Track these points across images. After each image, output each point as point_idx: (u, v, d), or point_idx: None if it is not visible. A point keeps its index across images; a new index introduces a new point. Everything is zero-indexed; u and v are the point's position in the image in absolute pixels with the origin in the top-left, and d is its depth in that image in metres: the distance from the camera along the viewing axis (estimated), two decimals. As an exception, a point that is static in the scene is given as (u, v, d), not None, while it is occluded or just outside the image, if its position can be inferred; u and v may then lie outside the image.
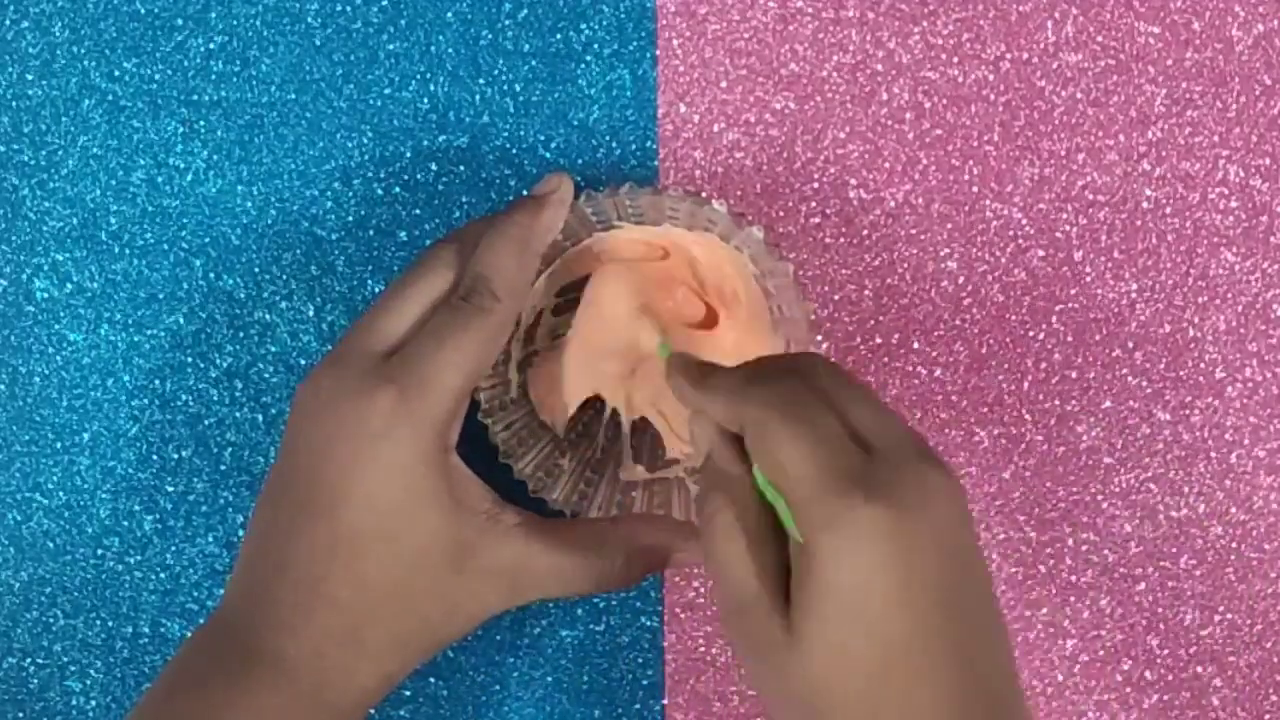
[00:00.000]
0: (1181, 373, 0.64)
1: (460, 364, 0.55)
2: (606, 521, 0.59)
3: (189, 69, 0.64)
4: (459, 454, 0.57)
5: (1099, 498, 0.64)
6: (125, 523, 0.64)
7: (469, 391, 0.56)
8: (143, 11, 0.64)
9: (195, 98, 0.64)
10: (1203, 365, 0.64)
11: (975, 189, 0.64)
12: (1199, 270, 0.64)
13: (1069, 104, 0.64)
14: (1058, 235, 0.64)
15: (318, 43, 0.64)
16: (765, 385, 0.50)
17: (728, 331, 0.61)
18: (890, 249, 0.64)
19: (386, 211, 0.64)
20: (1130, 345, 0.64)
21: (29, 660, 0.64)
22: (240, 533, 0.64)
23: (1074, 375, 0.64)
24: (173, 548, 0.64)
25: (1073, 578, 0.64)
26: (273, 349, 0.64)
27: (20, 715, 0.64)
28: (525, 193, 0.59)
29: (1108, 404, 0.64)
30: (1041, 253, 0.64)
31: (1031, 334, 0.64)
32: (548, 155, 0.63)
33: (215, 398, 0.64)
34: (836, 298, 0.64)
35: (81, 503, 0.64)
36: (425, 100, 0.64)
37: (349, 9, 0.64)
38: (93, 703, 0.64)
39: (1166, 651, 0.64)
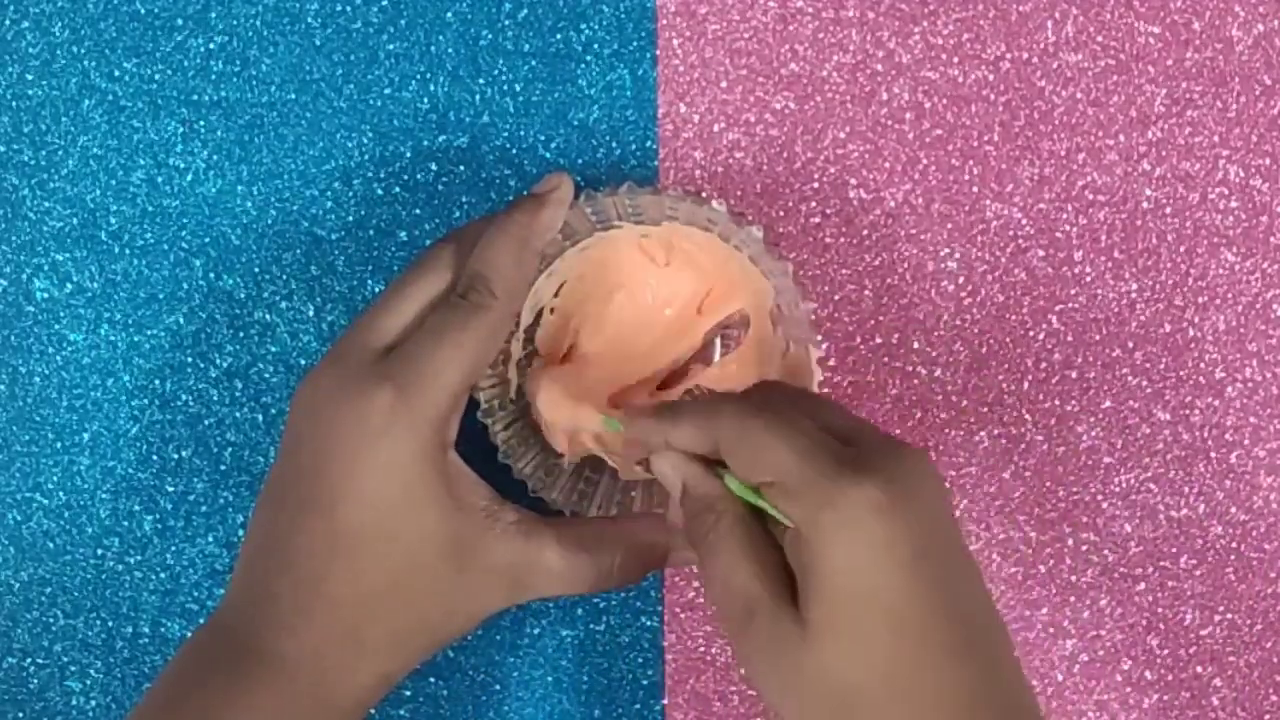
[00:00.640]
0: (1181, 373, 0.64)
1: (458, 361, 0.55)
2: (606, 520, 0.59)
3: (189, 69, 0.64)
4: (459, 453, 0.57)
5: (1099, 498, 0.64)
6: (125, 523, 0.64)
7: (467, 389, 0.56)
8: (143, 11, 0.64)
9: (195, 98, 0.64)
10: (1203, 365, 0.64)
11: (975, 189, 0.64)
12: (1199, 270, 0.64)
13: (1069, 104, 0.64)
14: (1058, 235, 0.64)
15: (318, 43, 0.64)
16: (735, 400, 0.52)
17: (728, 363, 0.62)
18: (890, 249, 0.64)
19: (386, 211, 0.64)
20: (1130, 345, 0.64)
21: (29, 660, 0.64)
22: (240, 533, 0.64)
23: (1074, 375, 0.64)
24: (173, 548, 0.64)
25: (1073, 578, 0.64)
26: (273, 349, 0.64)
27: (20, 715, 0.64)
28: (525, 192, 0.59)
29: (1108, 404, 0.64)
30: (1041, 253, 0.64)
31: (1031, 334, 0.64)
32: (548, 155, 0.63)
33: (215, 398, 0.64)
34: (836, 298, 0.64)
35: (81, 503, 0.64)
36: (425, 100, 0.64)
37: (349, 9, 0.64)
38: (93, 703, 0.64)
39: (1166, 651, 0.64)
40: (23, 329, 0.64)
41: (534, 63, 0.64)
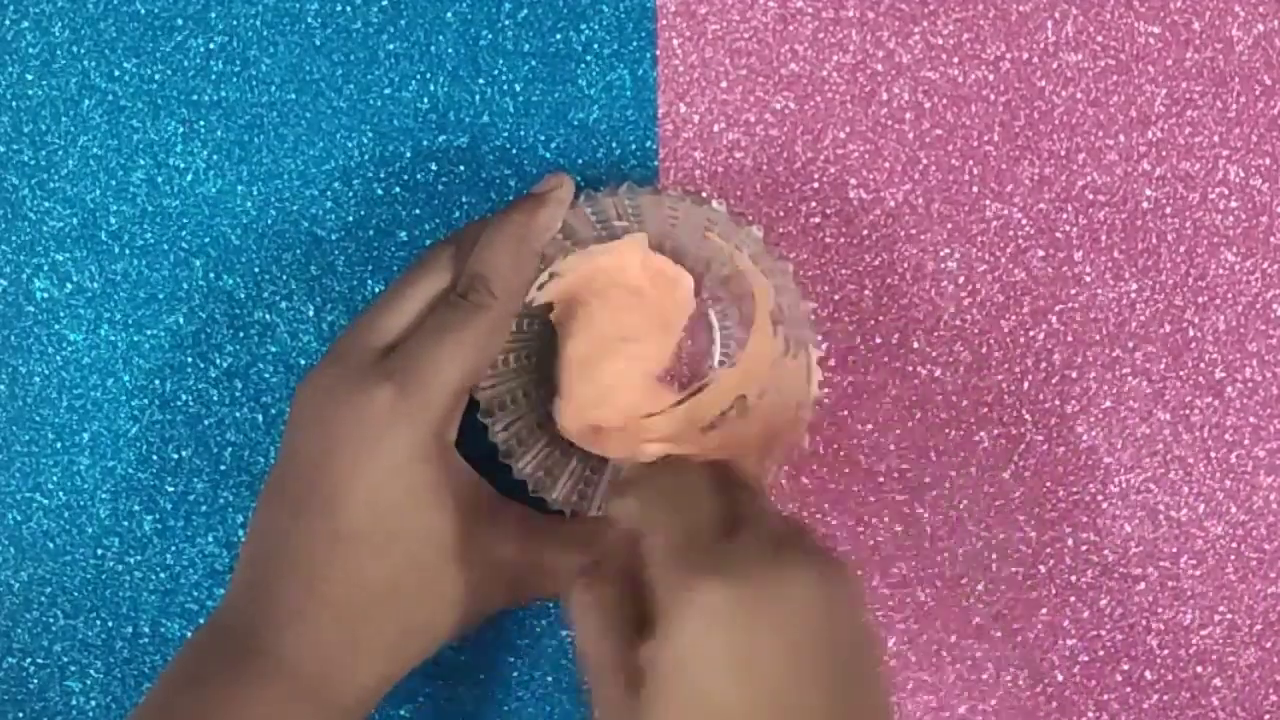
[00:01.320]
0: (1181, 373, 0.64)
1: (458, 360, 0.55)
2: (606, 520, 0.59)
3: (189, 69, 0.64)
4: (457, 450, 0.57)
5: (1099, 498, 0.64)
6: (125, 523, 0.64)
7: (468, 388, 0.56)
8: (143, 11, 0.64)
9: (195, 98, 0.64)
10: (1203, 365, 0.64)
11: (975, 189, 0.64)
12: (1199, 270, 0.64)
13: (1069, 104, 0.64)
14: (1058, 235, 0.64)
15: (318, 43, 0.64)
16: (643, 478, 0.51)
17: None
18: (890, 249, 0.64)
19: (386, 211, 0.64)
20: (1130, 345, 0.64)
21: (29, 660, 0.64)
22: (240, 533, 0.64)
23: (1074, 375, 0.64)
24: (173, 548, 0.64)
25: (1073, 578, 0.64)
26: (273, 349, 0.64)
27: (20, 715, 0.64)
28: (525, 192, 0.59)
29: (1108, 404, 0.64)
30: (1041, 253, 0.64)
31: (1031, 334, 0.64)
32: (548, 155, 0.63)
33: (215, 398, 0.64)
34: (836, 298, 0.64)
35: (81, 503, 0.64)
36: (425, 100, 0.64)
37: (349, 9, 0.64)
38: (93, 703, 0.64)
39: (1166, 651, 0.64)
40: (23, 329, 0.64)
41: (534, 63, 0.64)
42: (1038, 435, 0.64)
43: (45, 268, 0.64)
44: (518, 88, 0.64)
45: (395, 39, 0.64)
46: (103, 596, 0.64)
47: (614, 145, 0.63)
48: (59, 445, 0.64)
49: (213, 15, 0.64)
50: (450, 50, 0.64)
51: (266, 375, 0.64)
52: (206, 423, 0.64)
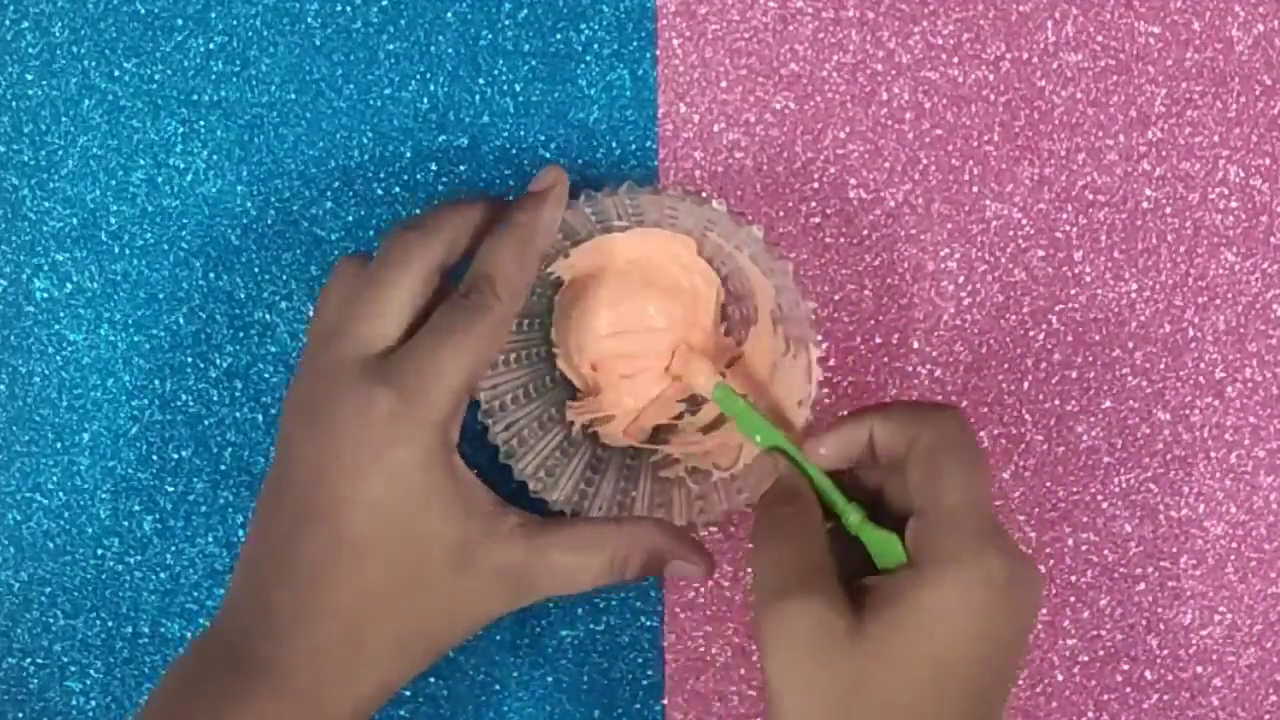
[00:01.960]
0: (1181, 373, 0.64)
1: (462, 363, 0.55)
2: (609, 521, 0.59)
3: (189, 69, 0.64)
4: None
5: (1099, 498, 0.64)
6: (125, 523, 0.64)
7: (470, 390, 0.56)
8: (143, 11, 0.64)
9: (195, 98, 0.64)
10: (1203, 365, 0.64)
11: (975, 189, 0.64)
12: (1199, 270, 0.64)
13: (1069, 104, 0.64)
14: (1058, 235, 0.64)
15: (318, 43, 0.64)
16: (943, 417, 0.55)
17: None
18: (890, 249, 0.64)
19: (386, 211, 0.64)
20: (1130, 345, 0.64)
21: (29, 660, 0.64)
22: (240, 533, 0.64)
23: (1074, 375, 0.64)
24: (173, 548, 0.64)
25: (1073, 578, 0.64)
26: (273, 349, 0.64)
27: (20, 715, 0.64)
28: (525, 190, 0.59)
29: (1108, 404, 0.64)
30: (1041, 253, 0.64)
31: (1031, 334, 0.64)
32: (548, 155, 0.63)
33: (215, 398, 0.64)
34: (836, 298, 0.64)
35: (81, 503, 0.64)
36: (425, 100, 0.64)
37: (349, 9, 0.64)
38: (93, 703, 0.64)
39: (1166, 651, 0.64)
40: (23, 329, 0.64)
41: (534, 63, 0.64)
42: (1038, 435, 0.64)
43: (45, 268, 0.64)
44: (518, 88, 0.64)
45: (395, 39, 0.64)
46: (103, 596, 0.64)
47: (614, 145, 0.63)
48: (59, 445, 0.64)
49: (213, 15, 0.64)
50: (450, 50, 0.64)
51: (266, 375, 0.64)
52: (206, 423, 0.64)
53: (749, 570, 0.63)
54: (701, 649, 0.64)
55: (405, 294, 0.56)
